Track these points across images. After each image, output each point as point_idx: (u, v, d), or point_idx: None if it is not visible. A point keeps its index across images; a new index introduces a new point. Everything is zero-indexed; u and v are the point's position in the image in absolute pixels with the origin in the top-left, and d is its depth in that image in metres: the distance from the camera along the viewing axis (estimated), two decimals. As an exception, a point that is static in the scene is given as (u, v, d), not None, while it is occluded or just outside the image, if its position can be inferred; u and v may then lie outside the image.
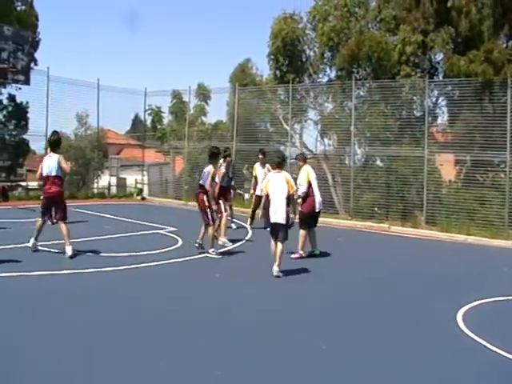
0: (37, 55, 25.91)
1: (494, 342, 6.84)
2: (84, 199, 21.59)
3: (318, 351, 6.55)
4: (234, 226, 16.03)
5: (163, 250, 12.26)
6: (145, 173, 26.51)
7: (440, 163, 19.11)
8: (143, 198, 24.54)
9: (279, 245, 10.29)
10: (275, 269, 10.13)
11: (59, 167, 11.19)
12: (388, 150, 18.87)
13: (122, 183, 26.32)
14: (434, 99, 20.77)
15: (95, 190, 24.62)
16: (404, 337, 7.22)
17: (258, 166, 16.36)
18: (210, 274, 10.31)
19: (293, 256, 11.91)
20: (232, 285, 9.78)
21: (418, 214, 17.81)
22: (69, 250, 11.07)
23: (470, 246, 15.19)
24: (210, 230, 11.99)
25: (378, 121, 19.99)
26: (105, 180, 25.64)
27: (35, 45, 25.86)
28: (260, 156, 16.54)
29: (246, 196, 23.12)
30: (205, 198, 12.01)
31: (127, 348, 6.38)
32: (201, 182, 12.27)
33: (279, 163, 10.88)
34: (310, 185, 11.95)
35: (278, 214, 10.33)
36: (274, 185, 10.47)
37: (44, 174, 11.29)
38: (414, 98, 20.48)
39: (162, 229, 15.39)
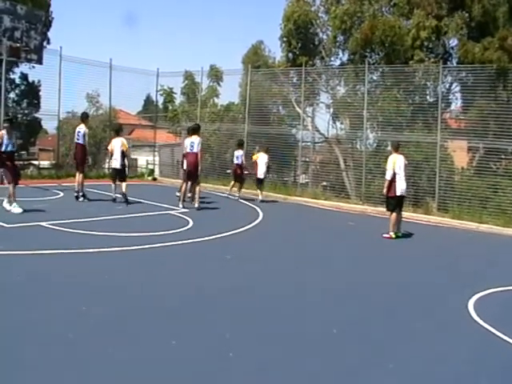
0: (49, 34, 26.00)
1: (504, 330, 6.84)
2: (96, 179, 21.61)
3: (330, 335, 6.58)
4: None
5: (174, 231, 12.30)
6: (156, 153, 26.53)
7: (453, 150, 19.03)
8: (154, 179, 24.58)
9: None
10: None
11: None
12: (400, 135, 18.65)
13: (133, 164, 26.36)
14: (447, 85, 20.67)
15: (107, 170, 24.64)
16: (415, 324, 7.20)
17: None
18: (220, 256, 10.36)
19: (385, 235, 13.17)
20: (243, 267, 9.80)
21: (429, 200, 17.74)
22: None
23: (482, 233, 15.15)
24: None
25: (391, 106, 19.90)
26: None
27: (48, 24, 25.85)
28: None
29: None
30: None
31: (136, 328, 6.42)
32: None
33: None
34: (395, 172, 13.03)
35: None
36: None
37: None
38: (428, 83, 20.35)
39: (173, 210, 15.43)
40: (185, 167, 16.17)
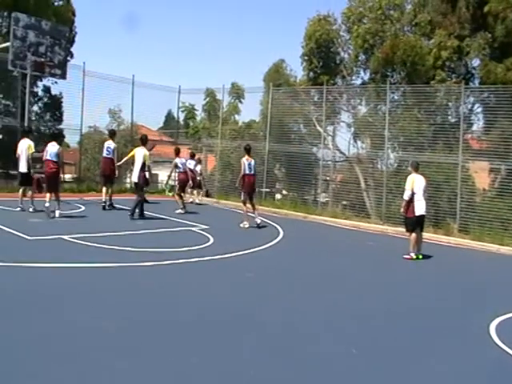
0: (73, 50, 26.37)
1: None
2: (117, 193, 21.73)
3: (349, 355, 6.54)
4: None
5: (195, 248, 12.31)
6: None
7: (474, 171, 18.93)
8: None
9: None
10: None
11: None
12: (421, 155, 18.50)
13: (153, 179, 26.45)
14: (469, 105, 20.61)
15: (128, 185, 24.78)
16: (435, 347, 7.12)
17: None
18: (241, 273, 10.36)
19: (405, 256, 13.10)
20: (264, 285, 9.79)
21: (450, 221, 17.63)
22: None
23: (503, 256, 15.02)
24: None
25: (412, 126, 19.86)
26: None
27: (72, 39, 26.23)
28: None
29: (278, 196, 23.14)
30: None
31: (153, 343, 6.41)
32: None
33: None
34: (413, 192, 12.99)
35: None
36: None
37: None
38: (449, 103, 20.31)
39: (193, 226, 15.46)
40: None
